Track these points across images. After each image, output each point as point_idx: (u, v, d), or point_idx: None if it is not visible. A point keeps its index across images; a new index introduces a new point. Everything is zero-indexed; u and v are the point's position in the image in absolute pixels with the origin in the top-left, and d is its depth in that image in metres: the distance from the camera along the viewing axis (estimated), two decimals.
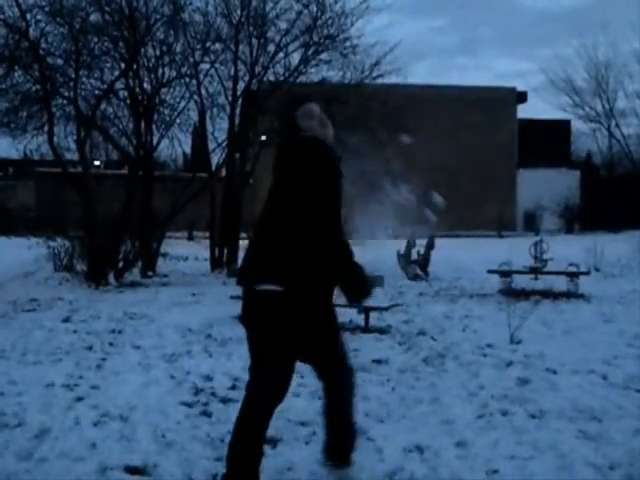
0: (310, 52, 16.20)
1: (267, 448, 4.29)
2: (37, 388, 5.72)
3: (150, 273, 14.78)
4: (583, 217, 33.74)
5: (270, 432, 4.48)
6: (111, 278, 13.37)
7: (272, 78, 16.72)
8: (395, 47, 16.94)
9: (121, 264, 13.88)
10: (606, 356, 6.93)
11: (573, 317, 9.50)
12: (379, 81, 17.16)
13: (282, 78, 16.45)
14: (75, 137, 14.65)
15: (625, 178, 38.61)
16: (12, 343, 7.56)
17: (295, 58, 16.38)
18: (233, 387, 5.76)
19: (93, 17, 14.31)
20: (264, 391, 3.44)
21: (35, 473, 3.96)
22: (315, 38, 16.04)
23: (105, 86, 14.86)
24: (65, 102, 14.54)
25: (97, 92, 14.97)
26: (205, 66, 16.09)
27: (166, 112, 15.93)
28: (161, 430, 4.66)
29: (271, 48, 16.34)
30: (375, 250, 20.36)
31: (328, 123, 3.52)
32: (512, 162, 35.76)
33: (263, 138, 17.59)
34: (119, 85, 14.99)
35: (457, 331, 8.54)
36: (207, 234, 17.74)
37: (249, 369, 3.52)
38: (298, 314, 3.39)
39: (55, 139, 14.31)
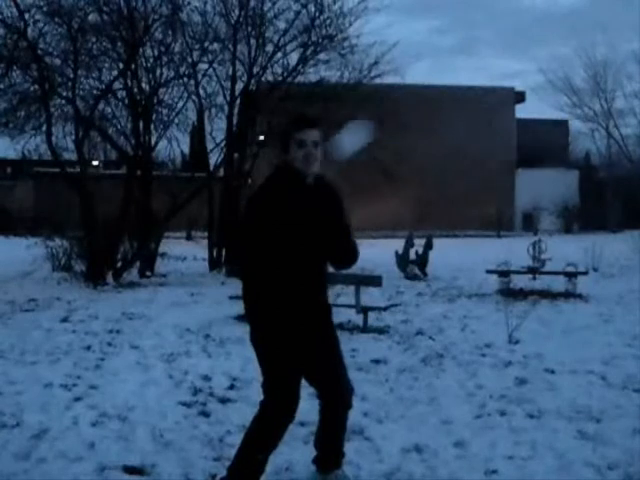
0: (308, 52, 16.21)
1: None
2: (35, 388, 5.71)
3: (148, 273, 14.77)
4: (582, 217, 33.75)
5: None
6: (109, 278, 13.35)
7: (270, 78, 16.72)
8: (393, 47, 17.00)
9: (119, 264, 13.87)
10: (604, 356, 6.93)
11: (571, 317, 9.50)
12: (377, 81, 17.17)
13: (280, 78, 16.46)
14: (73, 137, 14.64)
15: (623, 178, 38.64)
16: (10, 343, 7.56)
17: (293, 58, 16.41)
18: (232, 387, 5.76)
19: (91, 17, 14.32)
20: (276, 402, 3.48)
21: (33, 473, 3.96)
22: (313, 38, 16.06)
23: (103, 86, 14.85)
24: (63, 102, 14.54)
25: (95, 92, 14.96)
26: (203, 66, 16.11)
27: (164, 112, 15.95)
28: (159, 430, 4.66)
29: (269, 48, 16.37)
30: (373, 250, 20.38)
31: (315, 157, 3.48)
32: (510, 162, 35.77)
33: (261, 138, 17.59)
34: (117, 85, 15.00)
35: (455, 331, 8.54)
36: (205, 234, 17.73)
37: (262, 385, 3.53)
38: (293, 310, 3.46)
39: (53, 139, 14.31)
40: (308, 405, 5.04)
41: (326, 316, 3.66)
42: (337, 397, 3.72)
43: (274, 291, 3.44)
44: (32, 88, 14.16)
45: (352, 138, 3.55)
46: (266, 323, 3.46)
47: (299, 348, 3.50)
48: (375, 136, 3.58)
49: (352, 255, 3.65)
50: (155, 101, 15.56)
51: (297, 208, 3.44)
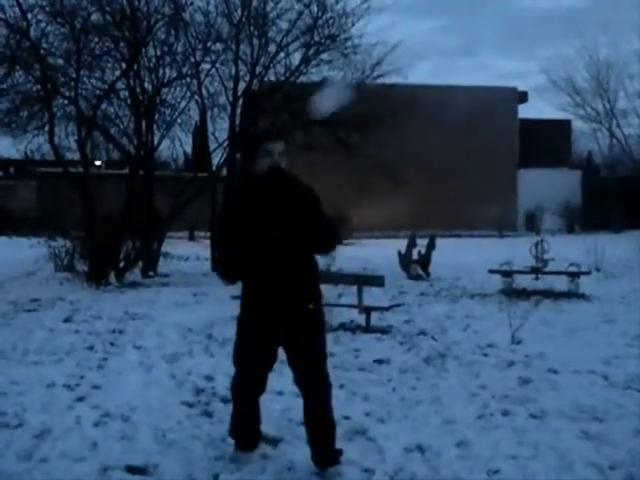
0: (311, 52, 16.19)
1: (268, 448, 4.31)
2: (38, 388, 5.72)
3: (151, 273, 14.76)
4: (584, 217, 33.69)
5: (271, 432, 4.51)
6: (112, 278, 13.35)
7: (273, 78, 16.70)
8: (396, 47, 16.94)
9: (122, 264, 13.86)
10: (607, 356, 6.93)
11: (574, 317, 9.49)
12: (380, 81, 17.15)
13: (283, 78, 16.44)
14: (76, 137, 14.64)
15: (626, 178, 38.55)
16: (13, 343, 7.57)
17: (296, 58, 16.37)
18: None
19: (94, 17, 14.28)
20: (238, 376, 4.11)
21: (36, 473, 3.96)
22: (316, 38, 16.02)
23: (106, 86, 14.84)
24: (66, 102, 14.52)
25: (98, 92, 14.95)
26: (206, 66, 16.07)
27: (167, 112, 15.91)
28: (162, 430, 4.66)
29: (272, 48, 16.33)
30: (376, 250, 20.38)
31: (280, 163, 3.92)
32: (513, 162, 35.70)
33: None
34: (120, 85, 14.96)
35: (458, 331, 8.54)
36: (208, 234, 17.73)
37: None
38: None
39: (56, 139, 14.29)
40: None
41: (304, 308, 3.91)
42: (306, 386, 3.96)
43: (250, 281, 3.93)
44: (34, 88, 14.14)
45: (329, 98, 3.87)
46: (243, 309, 3.99)
47: (265, 337, 3.91)
48: (349, 96, 3.93)
49: (331, 237, 3.98)
50: (158, 101, 15.54)
51: (265, 207, 3.85)
